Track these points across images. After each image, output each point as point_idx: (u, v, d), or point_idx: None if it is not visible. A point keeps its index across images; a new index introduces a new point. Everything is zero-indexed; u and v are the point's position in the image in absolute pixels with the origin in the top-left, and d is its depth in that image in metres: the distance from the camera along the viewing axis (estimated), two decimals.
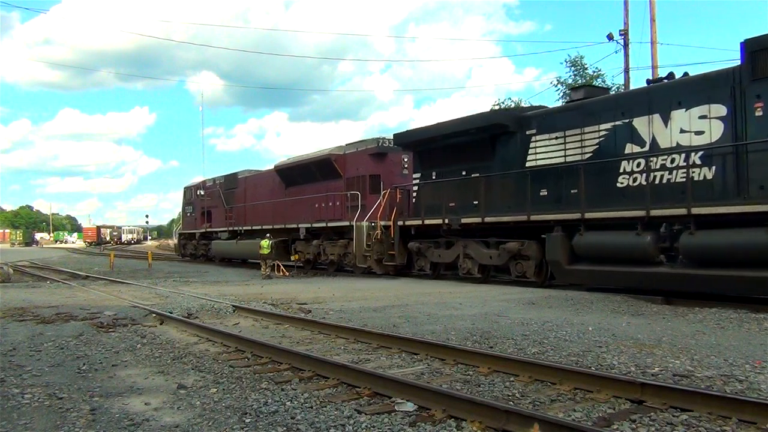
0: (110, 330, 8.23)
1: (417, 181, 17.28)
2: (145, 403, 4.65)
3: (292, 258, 22.44)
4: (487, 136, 14.83)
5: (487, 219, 14.42)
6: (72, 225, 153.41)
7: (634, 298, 11.06)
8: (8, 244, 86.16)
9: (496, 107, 29.39)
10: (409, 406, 4.42)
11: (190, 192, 32.84)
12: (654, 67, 20.34)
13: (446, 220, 15.35)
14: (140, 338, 7.64)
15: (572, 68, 27.51)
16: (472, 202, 14.93)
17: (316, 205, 21.00)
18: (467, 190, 15.23)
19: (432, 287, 14.31)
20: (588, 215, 12.10)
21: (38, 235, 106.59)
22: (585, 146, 12.76)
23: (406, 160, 18.77)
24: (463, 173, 15.43)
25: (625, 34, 21.18)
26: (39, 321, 9.07)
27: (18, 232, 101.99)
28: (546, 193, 13.39)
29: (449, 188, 15.77)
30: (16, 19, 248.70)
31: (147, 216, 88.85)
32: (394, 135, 18.38)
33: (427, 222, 16.21)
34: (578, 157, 12.80)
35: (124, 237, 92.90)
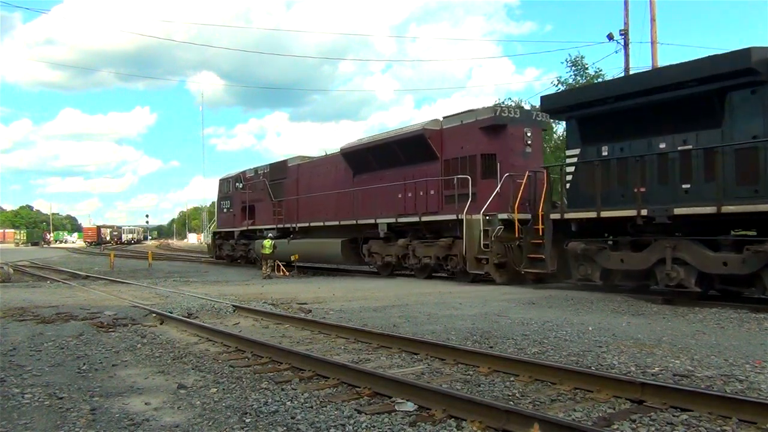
0: (110, 330, 8.24)
1: (574, 159, 12.56)
2: (146, 403, 4.65)
3: (292, 258, 22.16)
4: (713, 90, 10.16)
5: (730, 209, 9.67)
6: (72, 225, 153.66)
7: (634, 298, 11.06)
8: (12, 244, 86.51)
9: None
10: (410, 406, 4.42)
11: (226, 185, 28.50)
12: (654, 68, 20.34)
13: (643, 211, 10.72)
14: (140, 338, 7.65)
15: (573, 68, 27.50)
16: (681, 186, 10.62)
17: (399, 196, 17.33)
18: (674, 168, 10.76)
19: (432, 287, 14.32)
20: None
21: (49, 236, 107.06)
22: None
23: (529, 134, 15.26)
24: (662, 146, 10.96)
25: (625, 34, 21.18)
26: (39, 321, 9.07)
27: (22, 232, 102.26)
28: None
29: (638, 168, 11.06)
30: (17, 19, 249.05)
31: (147, 216, 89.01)
32: (543, 98, 13.87)
33: (606, 214, 11.36)
34: None
35: (124, 237, 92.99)
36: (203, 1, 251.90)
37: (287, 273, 21.02)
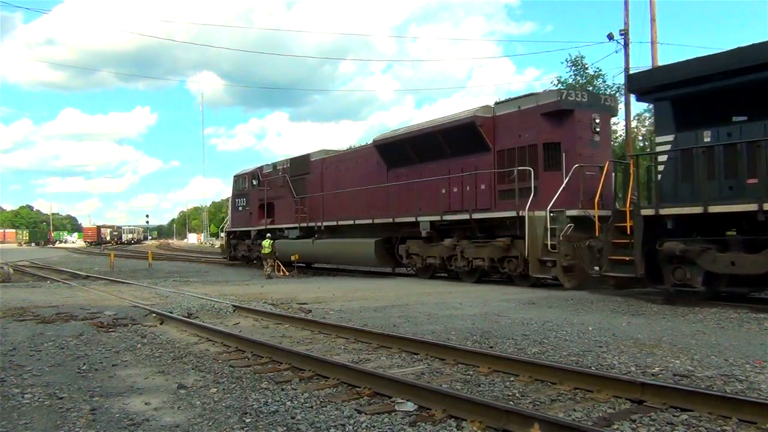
0: (110, 330, 8.24)
1: (665, 147, 10.96)
2: (146, 403, 4.65)
3: (292, 258, 22.09)
4: None
5: None
6: (72, 225, 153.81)
7: (634, 298, 11.06)
8: (15, 244, 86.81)
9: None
10: (410, 406, 4.42)
11: (242, 181, 26.68)
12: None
13: (766, 206, 9.06)
14: (140, 338, 7.65)
15: (573, 68, 27.52)
16: None
17: (443, 191, 15.71)
18: None
19: (431, 287, 14.31)
20: None
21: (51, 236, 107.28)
22: None
23: (597, 120, 13.55)
24: None
25: (625, 34, 21.18)
26: (39, 321, 9.07)
27: (24, 231, 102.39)
28: None
29: (754, 155, 9.52)
30: (18, 19, 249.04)
31: (147, 216, 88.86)
32: (630, 76, 12.08)
33: (717, 209, 9.63)
34: None
35: (125, 237, 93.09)
36: (204, 2, 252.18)
37: (287, 273, 21.03)
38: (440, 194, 15.76)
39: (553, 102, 13.58)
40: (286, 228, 22.53)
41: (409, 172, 17.08)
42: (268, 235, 21.83)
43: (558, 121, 13.52)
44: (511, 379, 5.28)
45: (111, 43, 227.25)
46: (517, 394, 4.81)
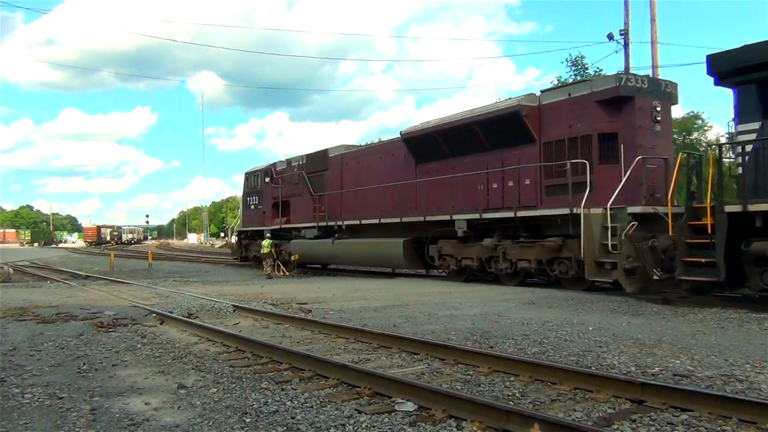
0: (110, 330, 8.24)
1: (750, 135, 9.98)
2: (146, 403, 4.65)
3: (292, 258, 22.06)
4: None
5: None
6: (72, 225, 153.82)
7: (634, 298, 11.06)
8: (18, 244, 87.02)
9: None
10: (410, 406, 4.42)
11: (254, 178, 25.52)
12: (654, 67, 20.36)
13: None
14: (140, 338, 7.65)
15: (573, 68, 27.54)
16: None
17: (480, 187, 14.60)
18: None
19: (432, 287, 14.31)
20: None
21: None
22: None
23: (659, 108, 12.28)
24: None
25: (625, 34, 21.21)
26: (39, 321, 9.07)
27: (27, 231, 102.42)
28: None
29: None
30: (19, 19, 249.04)
31: (147, 216, 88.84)
32: (710, 57, 10.38)
33: None
34: None
35: (125, 237, 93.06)
36: (204, 2, 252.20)
37: (287, 273, 21.04)
38: (476, 191, 14.61)
39: (610, 88, 12.30)
40: (303, 227, 21.61)
41: (441, 167, 16.00)
42: (268, 235, 21.82)
43: (615, 110, 12.35)
44: (511, 379, 5.28)
45: (111, 43, 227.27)
46: (517, 394, 4.82)
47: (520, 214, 13.48)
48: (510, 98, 14.67)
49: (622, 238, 11.14)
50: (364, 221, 18.42)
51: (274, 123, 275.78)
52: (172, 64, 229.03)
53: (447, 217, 15.27)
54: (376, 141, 20.08)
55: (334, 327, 8.01)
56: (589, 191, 11.95)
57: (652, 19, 20.59)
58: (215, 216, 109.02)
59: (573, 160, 12.43)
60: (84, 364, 6.10)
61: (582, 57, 27.42)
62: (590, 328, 7.87)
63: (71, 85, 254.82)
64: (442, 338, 7.20)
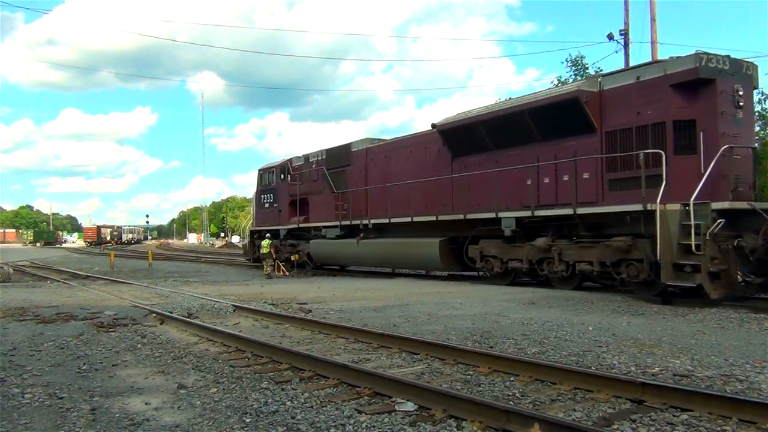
0: (110, 330, 8.24)
1: None
2: (146, 403, 4.66)
3: (292, 258, 22.01)
4: None
5: None
6: (72, 225, 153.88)
7: (634, 298, 11.06)
8: (21, 244, 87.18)
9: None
10: (410, 406, 4.42)
11: (268, 175, 24.35)
12: None
13: None
14: (140, 338, 7.65)
15: (573, 68, 27.50)
16: None
17: (529, 182, 13.41)
18: None
19: (432, 287, 14.30)
20: None
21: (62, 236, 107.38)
22: None
23: (741, 92, 11.01)
24: None
25: (625, 33, 21.20)
26: (39, 321, 9.07)
27: (30, 231, 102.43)
28: None
29: None
30: (19, 19, 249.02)
31: (147, 216, 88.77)
32: None
33: None
34: None
35: (125, 237, 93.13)
36: (205, 2, 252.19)
37: (287, 273, 21.03)
38: (524, 186, 13.47)
39: (688, 70, 10.93)
40: (324, 226, 20.48)
41: (483, 160, 14.78)
42: (268, 235, 21.81)
43: (693, 94, 11.03)
44: (511, 379, 5.28)
45: (112, 43, 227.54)
46: (517, 394, 4.82)
47: (581, 211, 12.22)
48: (566, 85, 13.32)
49: (707, 237, 9.86)
50: (393, 220, 17.28)
51: (274, 123, 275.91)
52: (173, 64, 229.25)
53: (492, 215, 14.12)
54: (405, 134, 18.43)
55: (334, 327, 8.01)
56: (665, 185, 10.58)
57: (652, 19, 20.59)
58: (215, 216, 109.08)
59: (648, 151, 11.02)
60: (84, 364, 6.11)
61: (582, 57, 27.34)
62: (590, 328, 7.87)
63: (72, 85, 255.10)
64: (442, 338, 7.20)
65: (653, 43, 20.46)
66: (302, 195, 21.81)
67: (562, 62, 28.11)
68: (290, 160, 23.27)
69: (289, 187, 22.59)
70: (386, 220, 17.55)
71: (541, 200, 13.19)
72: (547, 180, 13.12)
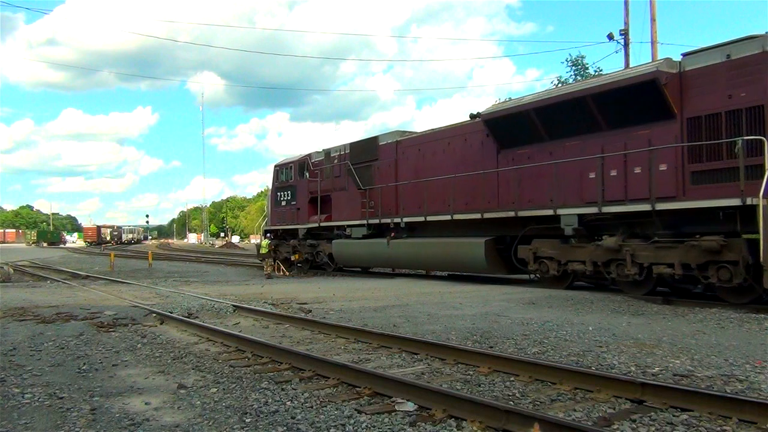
0: (110, 330, 8.24)
1: None
2: (146, 403, 4.65)
3: (293, 258, 21.95)
4: None
5: None
6: (72, 225, 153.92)
7: (634, 298, 11.05)
8: (24, 244, 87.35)
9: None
10: (410, 406, 4.42)
11: (285, 172, 22.87)
12: None
13: None
14: (140, 338, 7.65)
15: (573, 68, 27.54)
16: None
17: (592, 176, 12.04)
18: None
19: (432, 287, 14.30)
20: None
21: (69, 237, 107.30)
22: None
23: None
24: None
25: (625, 33, 21.21)
26: (39, 321, 9.07)
27: (33, 231, 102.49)
28: None
29: None
30: (20, 19, 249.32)
31: (147, 216, 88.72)
32: None
33: None
34: None
35: (125, 237, 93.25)
36: (205, 2, 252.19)
37: (287, 273, 21.03)
38: (587, 180, 12.14)
39: None
40: (349, 225, 19.10)
41: (534, 152, 13.45)
42: (269, 235, 21.81)
43: None
44: (511, 379, 5.28)
45: (112, 44, 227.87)
46: (517, 394, 4.82)
47: (661, 206, 10.74)
48: (642, 65, 11.91)
49: None
50: (429, 218, 15.81)
51: (274, 123, 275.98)
52: (173, 64, 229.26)
53: (549, 212, 12.73)
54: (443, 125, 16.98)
55: (334, 327, 8.01)
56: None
57: (652, 19, 20.59)
58: (215, 216, 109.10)
59: (746, 137, 9.66)
60: (84, 364, 6.10)
61: (582, 57, 27.44)
62: (590, 328, 7.87)
63: (72, 85, 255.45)
64: (442, 338, 7.20)
65: (653, 43, 20.47)
66: (324, 192, 20.38)
67: (563, 62, 28.17)
68: (309, 155, 21.85)
69: (308, 183, 21.17)
70: (422, 218, 16.08)
71: (607, 195, 11.79)
72: (614, 173, 11.73)
